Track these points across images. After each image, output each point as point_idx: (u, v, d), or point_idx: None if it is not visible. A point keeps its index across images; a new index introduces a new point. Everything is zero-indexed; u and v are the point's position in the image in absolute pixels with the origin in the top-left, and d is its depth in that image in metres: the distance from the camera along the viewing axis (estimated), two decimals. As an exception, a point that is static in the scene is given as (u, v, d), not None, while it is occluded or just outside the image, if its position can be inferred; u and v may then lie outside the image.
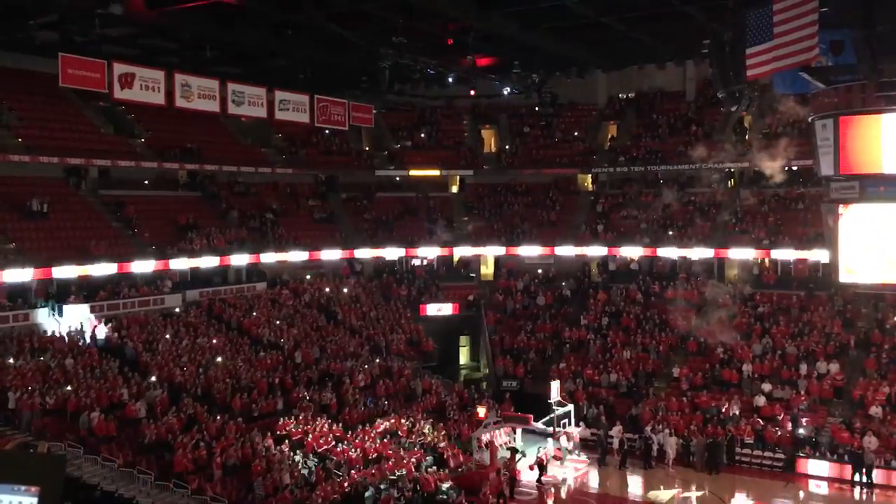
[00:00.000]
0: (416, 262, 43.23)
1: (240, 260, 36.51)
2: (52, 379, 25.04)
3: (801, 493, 25.96)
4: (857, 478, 25.67)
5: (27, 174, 32.48)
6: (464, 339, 41.04)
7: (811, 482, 26.40)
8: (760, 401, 29.35)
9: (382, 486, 22.45)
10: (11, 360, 25.56)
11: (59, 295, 30.13)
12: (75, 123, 36.14)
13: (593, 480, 27.38)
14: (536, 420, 28.90)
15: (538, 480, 26.01)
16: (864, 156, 20.21)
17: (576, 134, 45.94)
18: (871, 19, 17.61)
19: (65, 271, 29.81)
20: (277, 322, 34.02)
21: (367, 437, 26.18)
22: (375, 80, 33.70)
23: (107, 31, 30.51)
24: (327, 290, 38.84)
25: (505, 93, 36.27)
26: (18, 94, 34.75)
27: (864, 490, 25.39)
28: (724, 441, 27.46)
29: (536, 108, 43.01)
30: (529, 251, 41.41)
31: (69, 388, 24.65)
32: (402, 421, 27.92)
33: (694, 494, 24.05)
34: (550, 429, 27.55)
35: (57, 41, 29.25)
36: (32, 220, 31.45)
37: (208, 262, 34.96)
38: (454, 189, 46.71)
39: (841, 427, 27.26)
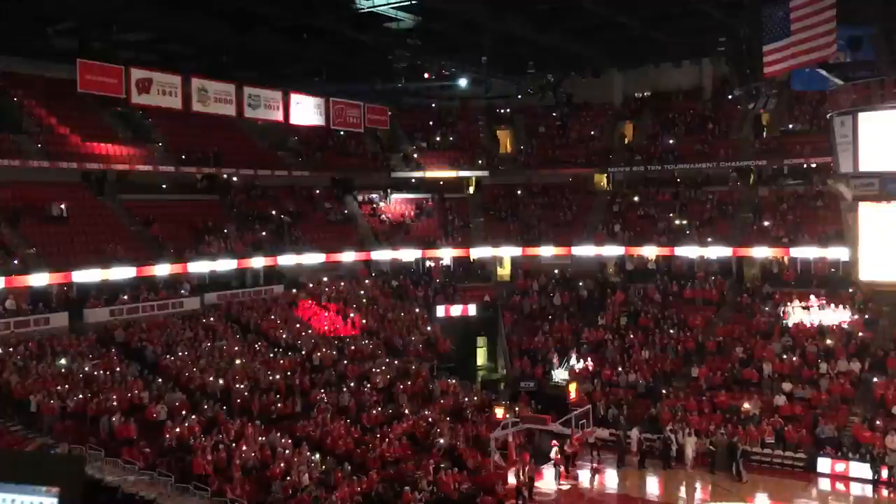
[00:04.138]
0: (433, 263, 43.25)
1: (257, 262, 36.68)
2: (73, 382, 25.24)
3: (823, 494, 25.70)
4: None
5: (46, 179, 32.77)
6: (481, 340, 40.98)
7: (833, 482, 26.13)
8: (780, 400, 29.10)
9: (401, 488, 22.45)
10: (33, 364, 25.77)
11: (79, 299, 30.41)
12: (93, 129, 36.43)
13: (612, 481, 27.24)
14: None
15: (556, 481, 25.92)
16: (883, 152, 20.06)
17: (592, 133, 45.78)
18: (890, 15, 17.46)
19: (85, 275, 30.05)
20: (297, 324, 34.12)
21: (385, 439, 26.18)
22: (390, 81, 33.88)
23: (124, 36, 30.82)
24: (344, 292, 38.89)
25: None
26: (37, 100, 35.07)
27: (889, 491, 25.11)
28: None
29: (553, 108, 42.91)
30: (546, 251, 41.30)
31: (90, 392, 24.85)
32: (420, 422, 27.93)
33: None
34: (568, 430, 27.41)
35: (75, 47, 29.55)
36: (52, 224, 31.74)
37: (226, 265, 35.15)
38: (470, 190, 46.69)
39: (863, 426, 26.98)
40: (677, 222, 39.33)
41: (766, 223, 37.33)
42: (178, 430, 23.82)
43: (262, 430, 25.21)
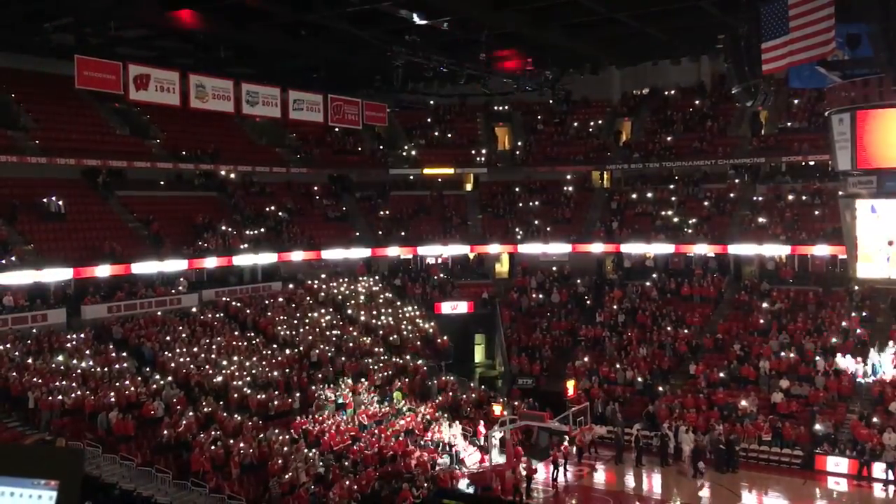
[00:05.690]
0: (431, 260, 43.24)
1: (255, 259, 36.67)
2: (71, 379, 25.22)
3: (820, 491, 25.75)
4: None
5: (44, 176, 32.74)
6: (479, 337, 41.00)
7: (830, 479, 26.19)
8: (778, 397, 29.16)
9: (399, 485, 22.48)
10: (31, 360, 25.76)
11: (76, 295, 30.37)
12: (91, 125, 36.40)
13: (610, 478, 27.29)
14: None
15: (554, 479, 25.97)
16: (881, 150, 20.07)
17: (590, 130, 45.76)
18: (889, 12, 17.43)
19: (83, 272, 30.01)
20: (294, 321, 34.11)
21: (383, 436, 26.22)
22: (389, 78, 33.81)
23: (122, 32, 30.75)
24: (342, 289, 38.91)
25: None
26: (34, 96, 35.02)
27: (885, 487, 25.17)
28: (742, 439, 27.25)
29: (551, 103, 42.80)
30: (544, 248, 41.29)
31: (87, 388, 24.84)
32: (418, 419, 27.99)
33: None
34: (566, 427, 27.46)
35: (72, 43, 29.48)
36: (50, 221, 31.70)
37: (224, 261, 35.12)
38: (468, 187, 46.66)
39: (860, 423, 27.03)
40: (675, 220, 39.33)
41: (763, 220, 37.34)
42: (175, 426, 23.84)
43: (260, 426, 25.23)
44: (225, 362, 28.93)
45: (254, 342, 31.66)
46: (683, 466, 26.97)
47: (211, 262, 34.72)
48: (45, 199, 31.94)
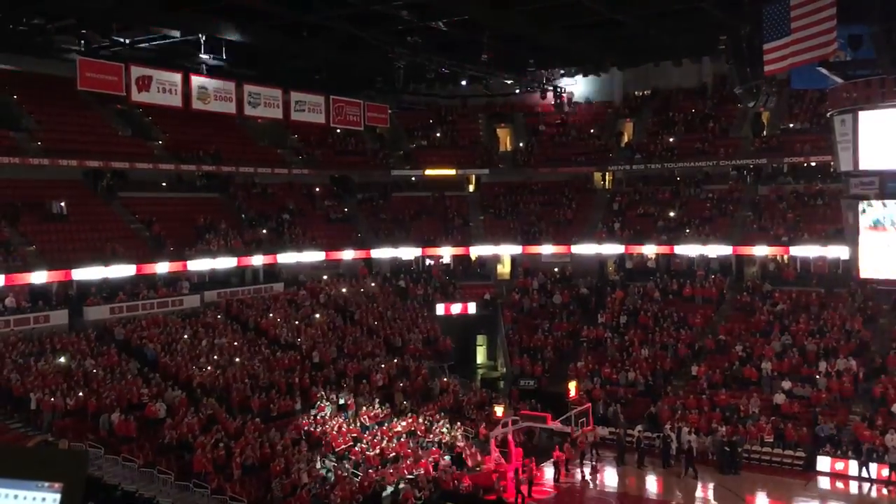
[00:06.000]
0: (433, 261, 43.23)
1: (257, 260, 36.70)
2: (73, 380, 25.23)
3: (822, 492, 25.71)
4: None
5: (46, 177, 32.76)
6: (480, 339, 40.97)
7: (832, 481, 26.15)
8: (780, 399, 29.12)
9: (401, 486, 22.49)
10: (33, 362, 25.77)
11: (78, 297, 30.39)
12: (93, 126, 36.43)
13: (612, 479, 27.27)
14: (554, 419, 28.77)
15: (556, 480, 25.95)
16: (883, 151, 20.07)
17: (592, 132, 45.74)
18: (890, 13, 17.45)
19: (85, 273, 30.04)
20: (296, 322, 34.11)
21: (384, 437, 26.22)
22: (390, 79, 33.84)
23: (122, 35, 30.79)
24: (344, 290, 38.90)
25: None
26: (37, 97, 35.04)
27: (887, 488, 25.13)
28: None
29: (553, 104, 42.85)
30: (546, 250, 41.28)
31: (89, 389, 24.85)
32: (420, 420, 27.98)
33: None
34: (568, 428, 27.43)
35: (75, 45, 29.53)
36: (52, 222, 31.73)
37: (226, 262, 35.15)
38: (470, 188, 46.64)
39: (862, 425, 26.98)
40: (677, 221, 39.29)
41: (765, 221, 37.31)
42: (177, 427, 23.83)
43: (262, 427, 25.22)
44: (227, 364, 28.93)
45: (256, 343, 31.65)
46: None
47: (213, 264, 34.73)
48: (47, 202, 31.96)
